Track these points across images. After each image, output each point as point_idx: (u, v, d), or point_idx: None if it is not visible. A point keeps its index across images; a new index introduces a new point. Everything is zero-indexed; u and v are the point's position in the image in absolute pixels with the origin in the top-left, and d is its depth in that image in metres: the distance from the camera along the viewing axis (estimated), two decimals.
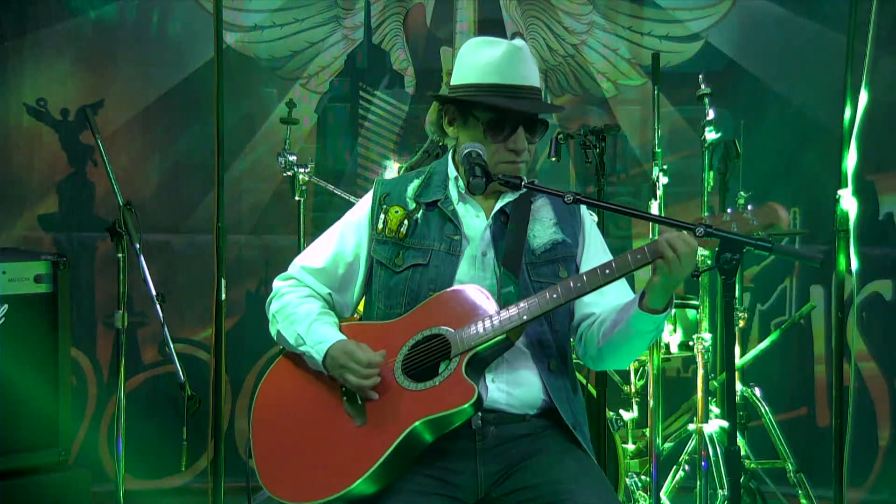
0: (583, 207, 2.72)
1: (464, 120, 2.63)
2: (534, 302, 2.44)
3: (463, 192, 2.64)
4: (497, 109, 2.56)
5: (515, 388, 2.54)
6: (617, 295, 2.56)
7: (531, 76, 2.60)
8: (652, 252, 2.37)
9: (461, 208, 2.65)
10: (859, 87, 3.12)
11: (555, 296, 2.43)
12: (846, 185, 3.10)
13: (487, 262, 2.59)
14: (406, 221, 2.64)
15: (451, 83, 2.67)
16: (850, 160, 3.11)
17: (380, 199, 2.70)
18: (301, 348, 2.59)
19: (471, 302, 2.50)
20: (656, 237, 3.83)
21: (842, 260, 3.12)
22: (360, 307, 2.82)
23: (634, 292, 2.58)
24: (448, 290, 2.54)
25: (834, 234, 3.16)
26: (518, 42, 2.61)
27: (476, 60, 2.61)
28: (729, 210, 2.36)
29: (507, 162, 2.58)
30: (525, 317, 2.44)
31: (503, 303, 2.48)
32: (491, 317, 2.45)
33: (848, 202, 3.09)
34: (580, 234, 2.69)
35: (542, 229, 2.64)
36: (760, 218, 2.31)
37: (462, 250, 2.59)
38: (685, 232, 2.34)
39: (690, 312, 4.21)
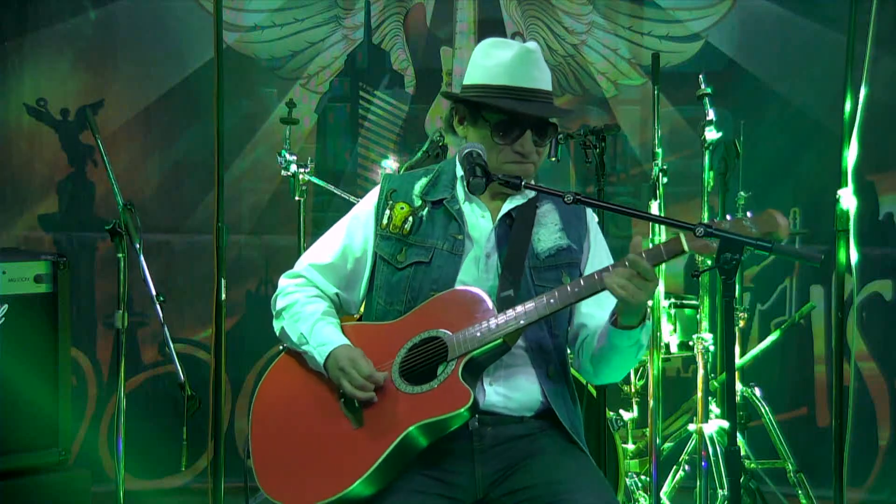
0: (589, 213, 2.72)
1: (473, 120, 2.63)
2: (531, 307, 2.43)
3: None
4: (505, 112, 2.56)
5: (513, 392, 2.54)
6: (613, 307, 2.55)
7: (542, 79, 2.60)
8: (602, 280, 2.38)
9: (467, 208, 2.64)
10: (859, 86, 3.12)
11: (552, 301, 2.43)
12: (846, 181, 3.09)
13: (491, 265, 2.58)
14: (411, 218, 2.64)
15: (464, 83, 2.67)
16: (851, 154, 3.10)
17: (386, 195, 2.69)
18: (303, 347, 2.59)
19: (470, 305, 2.49)
20: (656, 237, 3.86)
21: (842, 256, 3.12)
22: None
23: None
24: (447, 291, 2.53)
25: (834, 234, 3.16)
26: (531, 45, 2.61)
27: (487, 62, 2.61)
28: (728, 217, 2.35)
29: (514, 163, 2.58)
30: (523, 321, 2.43)
31: (501, 306, 2.47)
32: (489, 320, 2.45)
33: (848, 199, 3.09)
34: (586, 241, 2.68)
35: (548, 234, 2.63)
36: (760, 225, 2.30)
37: (465, 250, 2.59)
38: (633, 256, 2.33)
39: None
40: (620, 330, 2.43)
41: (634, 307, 2.38)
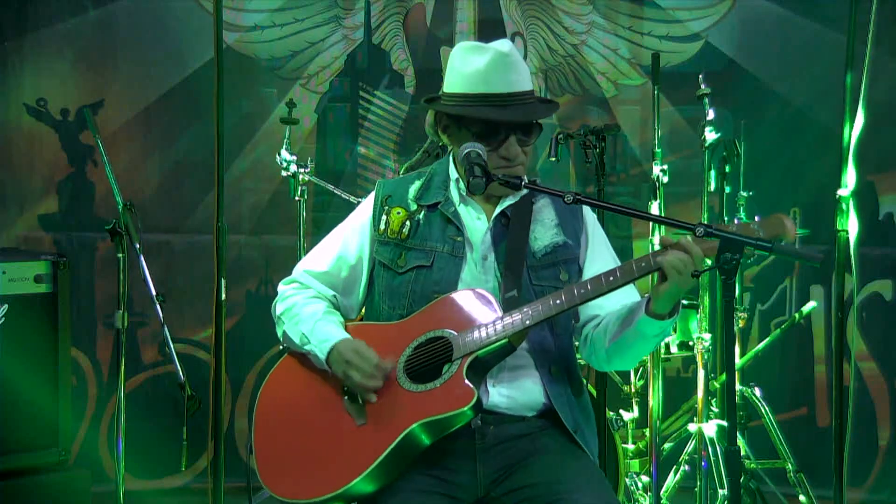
0: (585, 207, 2.72)
1: (457, 128, 2.63)
2: (537, 308, 2.43)
3: (464, 193, 2.64)
4: (485, 121, 2.55)
5: (516, 392, 2.54)
6: (622, 296, 2.55)
7: (520, 81, 2.59)
8: (656, 263, 2.37)
9: (462, 210, 2.64)
10: (860, 87, 3.12)
11: (558, 302, 2.43)
12: (846, 161, 3.09)
13: (489, 266, 2.59)
14: (408, 223, 2.64)
15: (444, 90, 2.67)
16: (856, 128, 3.11)
17: (382, 201, 2.70)
18: (306, 347, 2.59)
19: (475, 306, 2.50)
20: (657, 237, 3.86)
21: (842, 252, 3.12)
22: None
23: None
24: (453, 293, 2.54)
25: (834, 235, 3.16)
26: (504, 47, 2.58)
27: (463, 69, 2.60)
28: (736, 221, 2.36)
29: (501, 168, 2.57)
30: (528, 322, 2.43)
31: (507, 307, 2.48)
32: (494, 321, 2.45)
33: (846, 192, 3.09)
34: (582, 235, 2.68)
35: (544, 231, 2.63)
36: (767, 229, 2.30)
37: (465, 252, 2.59)
38: (686, 238, 2.34)
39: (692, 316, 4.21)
40: (651, 318, 2.42)
41: (676, 291, 2.36)
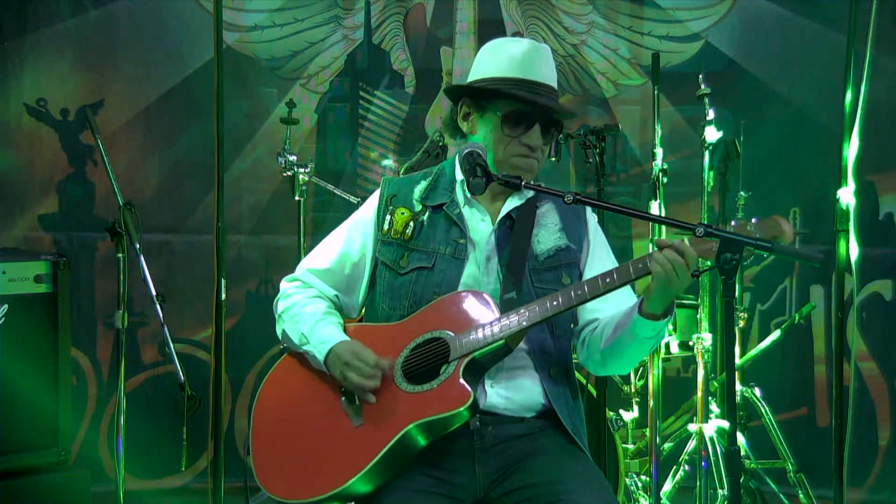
0: (588, 212, 2.73)
1: (481, 112, 2.62)
2: (534, 309, 2.44)
3: (469, 195, 2.64)
4: (518, 101, 2.55)
5: (515, 393, 2.54)
6: (620, 301, 2.56)
7: (551, 76, 2.62)
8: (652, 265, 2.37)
9: (467, 212, 2.64)
10: (860, 86, 3.12)
11: (555, 303, 2.43)
12: (846, 178, 3.10)
13: (491, 268, 2.59)
14: (412, 223, 2.64)
15: (469, 79, 2.67)
16: (852, 149, 3.11)
17: (387, 200, 2.69)
18: (304, 347, 2.59)
19: (473, 307, 2.50)
20: (656, 238, 3.86)
21: (842, 255, 3.12)
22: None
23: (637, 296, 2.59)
24: (451, 294, 2.54)
25: (834, 234, 3.16)
26: (541, 43, 2.63)
27: (498, 55, 2.61)
28: (733, 223, 2.35)
29: (521, 155, 2.58)
30: (525, 323, 2.43)
31: (505, 309, 2.48)
32: (491, 322, 2.45)
33: (847, 194, 3.09)
34: (585, 240, 2.68)
35: (547, 235, 2.63)
36: (764, 231, 2.30)
37: (467, 254, 2.59)
38: (682, 240, 2.34)
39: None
40: (645, 319, 2.42)
41: (665, 291, 2.37)
